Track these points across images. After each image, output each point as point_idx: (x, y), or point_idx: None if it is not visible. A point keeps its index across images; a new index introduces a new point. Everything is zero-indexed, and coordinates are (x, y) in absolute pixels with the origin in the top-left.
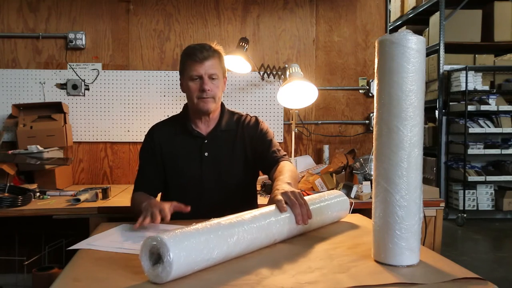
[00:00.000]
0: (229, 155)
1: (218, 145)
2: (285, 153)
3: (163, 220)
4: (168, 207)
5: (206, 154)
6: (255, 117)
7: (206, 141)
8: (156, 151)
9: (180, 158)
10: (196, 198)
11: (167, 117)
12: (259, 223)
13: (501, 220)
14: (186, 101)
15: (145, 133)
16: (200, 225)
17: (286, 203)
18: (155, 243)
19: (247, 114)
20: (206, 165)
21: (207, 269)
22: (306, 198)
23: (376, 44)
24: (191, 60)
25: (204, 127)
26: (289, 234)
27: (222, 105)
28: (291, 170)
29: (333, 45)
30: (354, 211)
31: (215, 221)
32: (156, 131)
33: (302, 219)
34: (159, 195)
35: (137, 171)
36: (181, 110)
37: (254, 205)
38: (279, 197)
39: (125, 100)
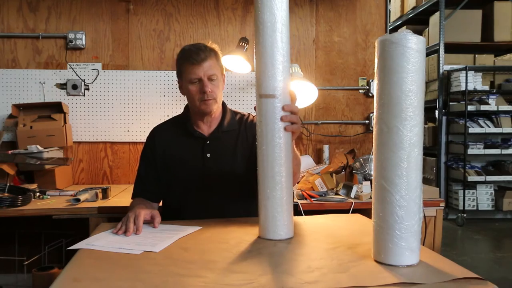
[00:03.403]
0: (231, 155)
1: (220, 146)
2: None
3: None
4: (142, 220)
5: (208, 155)
6: None
7: (208, 142)
8: (157, 155)
9: (182, 160)
10: (199, 199)
11: (168, 118)
12: None
13: (501, 220)
14: (186, 102)
15: (145, 133)
16: None
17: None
18: None
19: (249, 114)
20: (209, 166)
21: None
22: None
23: (376, 44)
24: (189, 63)
25: (205, 128)
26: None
27: (224, 105)
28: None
29: (333, 45)
30: (354, 211)
31: None
32: (157, 133)
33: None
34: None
35: (136, 175)
36: (181, 110)
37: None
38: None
39: (125, 100)
